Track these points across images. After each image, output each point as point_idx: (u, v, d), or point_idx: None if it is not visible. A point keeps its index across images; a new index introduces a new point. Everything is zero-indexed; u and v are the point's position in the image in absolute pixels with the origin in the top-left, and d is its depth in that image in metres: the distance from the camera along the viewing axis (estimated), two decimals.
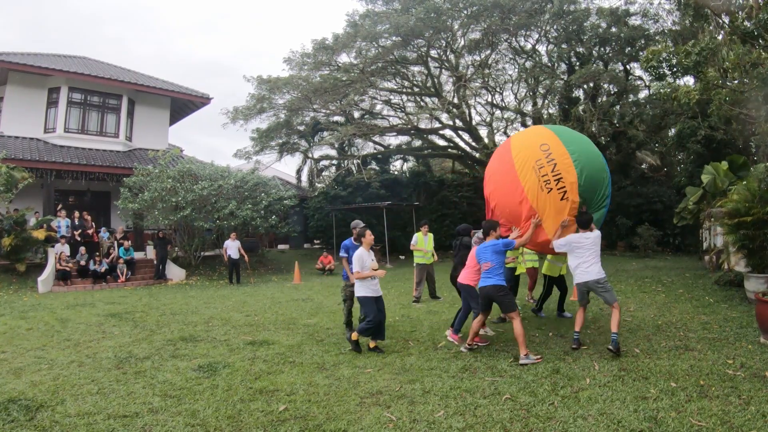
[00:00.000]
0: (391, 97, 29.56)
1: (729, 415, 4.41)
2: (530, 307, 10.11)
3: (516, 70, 27.85)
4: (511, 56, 27.69)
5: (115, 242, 18.20)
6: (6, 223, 16.04)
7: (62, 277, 15.86)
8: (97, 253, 17.30)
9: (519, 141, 7.89)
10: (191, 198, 18.08)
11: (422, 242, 12.01)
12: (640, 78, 25.87)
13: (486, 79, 26.74)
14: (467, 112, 28.46)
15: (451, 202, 28.56)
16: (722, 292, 11.58)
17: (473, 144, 29.41)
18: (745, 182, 11.10)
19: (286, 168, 47.27)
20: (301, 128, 29.04)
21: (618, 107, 26.15)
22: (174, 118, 26.20)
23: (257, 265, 20.99)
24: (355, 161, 28.64)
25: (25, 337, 8.35)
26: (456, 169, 34.29)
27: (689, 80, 17.12)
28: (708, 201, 15.14)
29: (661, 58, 12.54)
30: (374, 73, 25.43)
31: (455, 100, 27.33)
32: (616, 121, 26.17)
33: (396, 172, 32.50)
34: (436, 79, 27.87)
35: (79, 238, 17.51)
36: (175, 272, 18.21)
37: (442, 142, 31.73)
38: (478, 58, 27.24)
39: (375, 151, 31.32)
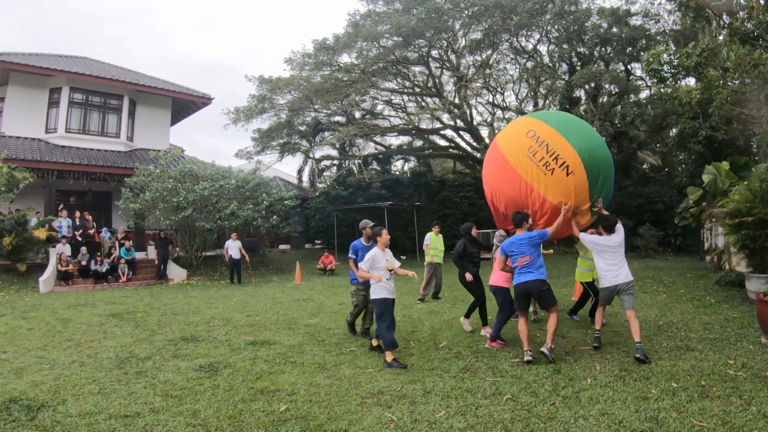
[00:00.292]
0: (392, 97, 29.59)
1: (730, 416, 4.41)
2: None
3: (517, 70, 27.88)
4: (512, 56, 27.72)
5: (117, 242, 18.19)
6: (7, 223, 16.04)
7: (63, 277, 15.88)
8: (99, 253, 17.31)
9: (504, 137, 7.74)
10: (192, 198, 18.09)
11: (435, 241, 12.31)
12: (641, 78, 25.89)
13: (487, 80, 26.77)
14: (468, 112, 28.49)
15: (452, 203, 28.57)
16: (723, 292, 11.57)
17: (474, 144, 29.43)
18: (746, 182, 11.10)
19: (287, 168, 47.50)
20: (303, 128, 29.08)
21: (619, 107, 26.16)
22: (175, 119, 26.22)
23: (258, 266, 20.99)
24: (356, 161, 28.67)
25: (27, 337, 8.36)
26: (457, 169, 34.31)
27: (690, 81, 17.11)
28: (709, 201, 15.13)
29: (662, 61, 12.54)
30: (375, 73, 25.46)
31: (456, 101, 27.36)
32: (617, 122, 26.17)
33: (397, 173, 32.54)
34: (437, 80, 27.89)
35: (80, 239, 17.52)
36: (176, 272, 18.22)
37: (443, 143, 31.76)
38: (479, 58, 27.27)
39: (376, 152, 31.34)
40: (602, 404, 4.77)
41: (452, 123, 28.83)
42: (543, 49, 27.14)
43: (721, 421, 4.32)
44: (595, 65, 24.39)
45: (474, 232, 8.91)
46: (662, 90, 13.69)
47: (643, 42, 24.00)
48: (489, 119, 30.69)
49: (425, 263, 12.37)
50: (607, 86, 25.88)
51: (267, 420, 4.62)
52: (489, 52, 26.67)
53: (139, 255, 18.90)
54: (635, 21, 24.75)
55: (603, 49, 25.72)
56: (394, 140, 33.46)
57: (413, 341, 7.68)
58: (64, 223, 17.60)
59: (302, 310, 11.07)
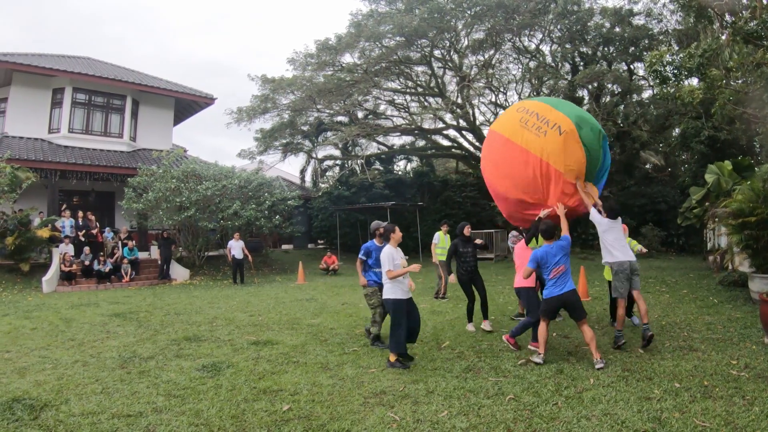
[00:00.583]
0: (395, 97, 29.58)
1: (733, 416, 4.40)
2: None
3: (520, 70, 27.81)
4: (514, 56, 27.68)
5: (119, 242, 18.24)
6: (10, 222, 16.09)
7: (66, 277, 15.91)
8: (102, 253, 17.33)
9: (498, 122, 8.23)
10: (195, 198, 18.11)
11: (443, 241, 12.39)
12: (644, 78, 25.80)
13: (489, 79, 26.73)
14: (471, 112, 28.43)
15: (454, 202, 28.57)
16: (726, 292, 11.56)
17: (477, 144, 29.37)
18: (749, 182, 11.08)
19: (289, 168, 47.47)
20: (305, 128, 29.09)
21: (622, 107, 26.10)
22: (178, 119, 26.25)
23: (261, 265, 21.00)
24: (358, 161, 28.67)
25: (30, 337, 8.38)
26: (460, 169, 34.31)
27: (693, 81, 17.08)
28: (712, 201, 15.10)
29: (664, 61, 12.51)
30: (378, 73, 25.44)
31: (459, 100, 27.33)
32: (620, 121, 26.11)
33: (400, 172, 32.53)
34: (439, 79, 27.89)
35: (83, 238, 17.55)
36: (179, 272, 18.25)
37: (445, 142, 31.76)
38: (481, 58, 27.24)
39: (379, 152, 31.34)
40: (605, 404, 4.77)
41: (455, 123, 28.81)
42: (546, 48, 27.11)
43: (723, 421, 4.31)
44: (598, 65, 24.31)
45: (467, 231, 8.91)
46: (665, 90, 13.66)
47: (646, 42, 23.94)
48: (491, 119, 30.64)
49: (437, 262, 12.39)
50: (609, 86, 25.83)
51: (270, 420, 4.62)
52: (491, 51, 26.63)
53: (142, 255, 18.93)
54: (638, 21, 24.69)
55: (606, 48, 25.66)
56: (397, 140, 33.49)
57: (416, 341, 7.67)
58: (67, 223, 17.63)
59: (305, 310, 11.09)
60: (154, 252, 19.32)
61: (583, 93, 26.92)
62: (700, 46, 11.65)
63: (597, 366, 5.95)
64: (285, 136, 28.51)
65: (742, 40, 10.97)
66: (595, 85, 25.14)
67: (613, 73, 23.65)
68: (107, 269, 16.75)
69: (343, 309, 11.05)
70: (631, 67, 26.17)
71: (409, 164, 35.38)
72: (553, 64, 26.73)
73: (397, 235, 6.71)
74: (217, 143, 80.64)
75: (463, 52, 26.60)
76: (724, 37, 11.66)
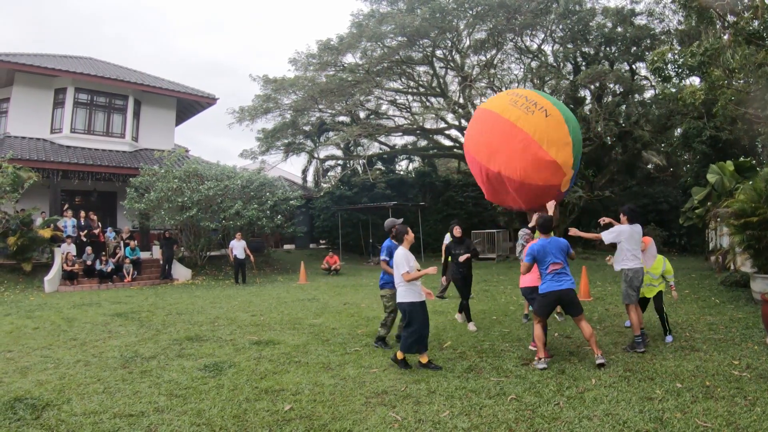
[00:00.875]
0: (397, 97, 29.61)
1: (735, 416, 4.39)
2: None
3: (521, 70, 27.80)
4: (516, 56, 27.68)
5: (122, 242, 18.27)
6: (12, 222, 16.11)
7: (68, 276, 15.94)
8: (104, 253, 17.36)
9: (489, 102, 8.54)
10: (197, 198, 18.13)
11: None
12: (646, 78, 25.81)
13: (491, 79, 26.71)
14: (473, 112, 28.42)
15: (456, 203, 28.60)
16: (728, 292, 11.54)
17: None
18: (751, 182, 11.07)
19: (291, 168, 47.48)
20: (307, 128, 29.13)
21: (624, 107, 26.10)
22: (180, 119, 26.26)
23: (263, 265, 21.02)
24: (360, 161, 28.72)
25: (32, 337, 8.39)
26: (462, 169, 34.28)
27: (695, 80, 17.07)
28: (714, 201, 15.09)
29: (666, 60, 12.51)
30: (380, 73, 25.47)
31: (461, 100, 27.34)
32: (621, 121, 26.11)
33: (402, 172, 32.58)
34: (441, 79, 27.90)
35: (85, 238, 17.60)
36: (181, 272, 18.27)
37: (447, 142, 31.76)
38: (483, 58, 27.25)
39: (380, 152, 31.37)
40: (606, 404, 4.77)
41: (457, 123, 28.79)
42: (547, 48, 27.10)
43: (725, 421, 4.31)
44: (600, 65, 24.29)
45: (456, 231, 8.92)
46: (666, 90, 13.66)
47: (648, 42, 23.93)
48: None
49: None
50: (611, 86, 25.79)
51: (271, 419, 4.63)
52: (493, 51, 26.64)
53: (143, 255, 18.95)
54: (640, 20, 24.67)
55: (607, 48, 25.64)
56: (399, 140, 33.54)
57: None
58: (69, 223, 17.67)
59: (307, 309, 11.09)
60: (156, 252, 19.34)
61: (585, 93, 26.91)
62: (701, 45, 11.65)
63: (597, 362, 5.93)
64: (287, 136, 28.56)
65: (744, 40, 10.96)
66: (597, 85, 25.11)
67: (615, 73, 23.63)
68: (109, 269, 16.77)
69: (345, 309, 11.05)
70: (633, 67, 26.16)
71: (411, 164, 35.46)
72: (554, 64, 26.72)
73: (410, 236, 6.55)
74: (219, 143, 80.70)
75: (465, 52, 26.61)
76: (726, 38, 11.65)
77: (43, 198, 19.07)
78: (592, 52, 25.84)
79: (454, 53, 26.88)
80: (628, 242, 6.90)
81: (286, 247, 29.62)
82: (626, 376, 5.59)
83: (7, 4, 74.98)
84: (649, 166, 31.08)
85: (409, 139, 33.13)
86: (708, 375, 5.54)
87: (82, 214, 18.37)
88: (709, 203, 15.58)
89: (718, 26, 12.92)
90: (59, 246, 16.76)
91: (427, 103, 29.58)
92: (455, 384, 5.52)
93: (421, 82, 28.52)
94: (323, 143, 29.99)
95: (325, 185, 32.14)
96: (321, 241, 30.29)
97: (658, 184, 26.94)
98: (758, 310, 8.41)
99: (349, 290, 14.61)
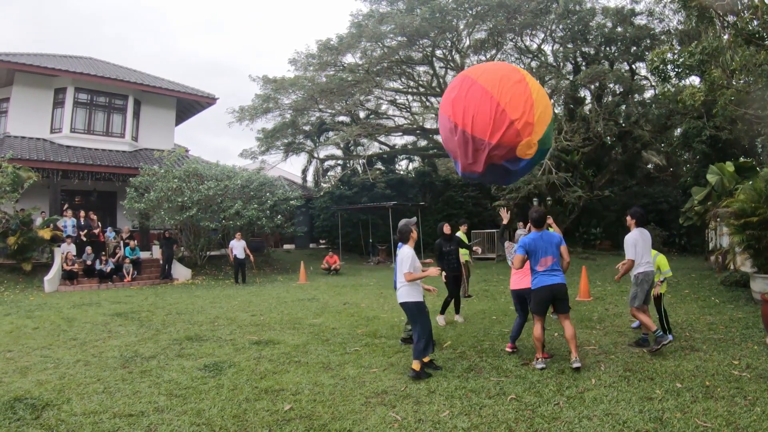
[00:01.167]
0: (397, 97, 29.61)
1: (734, 416, 4.40)
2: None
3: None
4: (516, 56, 27.63)
5: (121, 242, 18.27)
6: (12, 222, 16.12)
7: (68, 276, 15.94)
8: (103, 253, 17.37)
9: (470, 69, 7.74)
10: (197, 198, 18.13)
11: (464, 240, 12.24)
12: (646, 78, 25.78)
13: None
14: None
15: (456, 202, 28.59)
16: (728, 292, 11.54)
17: None
18: (751, 182, 11.07)
19: (291, 168, 47.36)
20: (307, 128, 29.13)
21: (623, 107, 26.08)
22: (180, 118, 26.27)
23: (263, 265, 21.03)
24: (360, 161, 28.71)
25: (32, 336, 8.40)
26: None
27: (695, 80, 17.07)
28: (714, 201, 15.10)
29: (666, 60, 12.50)
30: (379, 73, 25.46)
31: None
32: (621, 121, 26.11)
33: (401, 172, 32.57)
34: (441, 79, 27.88)
35: (85, 238, 17.60)
36: (180, 272, 18.27)
37: None
38: (483, 58, 27.18)
39: (380, 151, 31.37)
40: (606, 404, 4.77)
41: None
42: (547, 48, 27.06)
43: (725, 421, 4.31)
44: (600, 65, 24.27)
45: (446, 229, 8.95)
46: (666, 90, 13.66)
47: (648, 41, 23.90)
48: None
49: (464, 262, 12.34)
50: (611, 86, 25.78)
51: (271, 419, 4.63)
52: (493, 51, 26.61)
53: (143, 254, 18.96)
54: (640, 20, 24.65)
55: (607, 48, 25.62)
56: (399, 140, 33.50)
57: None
58: (69, 223, 17.67)
59: (306, 309, 11.09)
60: (156, 252, 19.35)
61: (585, 93, 26.91)
62: (700, 44, 11.64)
63: (574, 365, 5.86)
64: (287, 135, 28.56)
65: (743, 41, 10.95)
66: (597, 84, 25.09)
67: (614, 72, 23.61)
68: (109, 269, 16.77)
69: (345, 309, 11.06)
70: (633, 66, 26.13)
71: (410, 164, 35.44)
72: (554, 63, 26.70)
73: (415, 234, 6.46)
74: (219, 143, 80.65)
75: (465, 51, 26.59)
76: (726, 38, 11.64)
77: (43, 198, 19.07)
78: (592, 52, 25.83)
79: (454, 53, 26.86)
80: (641, 247, 6.92)
81: (286, 246, 29.63)
82: (626, 376, 5.59)
83: (7, 4, 75.01)
84: (649, 166, 31.08)
85: (409, 139, 33.13)
86: (708, 375, 5.54)
87: (82, 213, 18.38)
88: (709, 203, 15.58)
89: (717, 26, 12.91)
90: (59, 246, 16.76)
91: (427, 103, 29.59)
92: (455, 384, 5.52)
93: (421, 82, 28.51)
94: (323, 143, 29.98)
95: (325, 185, 32.13)
96: (321, 241, 30.30)
97: (657, 184, 26.93)
98: (758, 310, 8.41)
99: (349, 290, 14.61)
